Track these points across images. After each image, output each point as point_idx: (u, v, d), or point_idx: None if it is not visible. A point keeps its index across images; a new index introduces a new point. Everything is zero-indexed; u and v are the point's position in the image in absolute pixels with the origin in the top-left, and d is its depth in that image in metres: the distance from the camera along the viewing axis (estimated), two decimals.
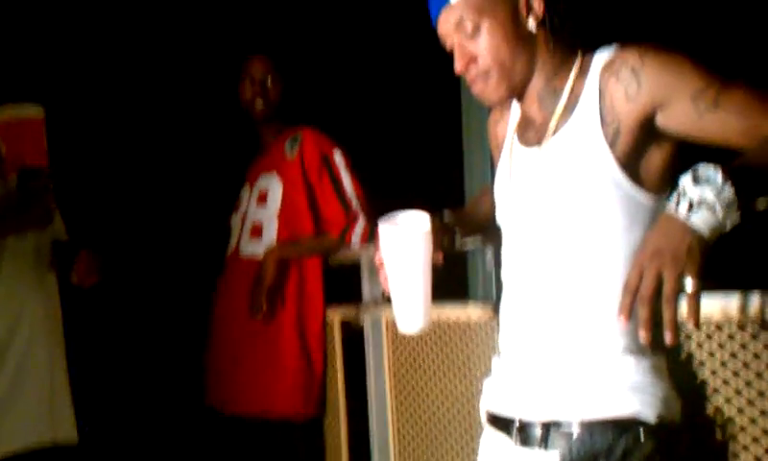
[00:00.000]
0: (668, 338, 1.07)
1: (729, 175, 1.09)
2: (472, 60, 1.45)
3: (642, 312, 1.09)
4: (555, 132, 1.44)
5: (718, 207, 1.08)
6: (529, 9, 1.45)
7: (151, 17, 4.84)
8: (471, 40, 1.45)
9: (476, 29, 1.43)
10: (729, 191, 1.08)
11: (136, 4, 4.69)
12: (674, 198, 1.11)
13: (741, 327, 1.37)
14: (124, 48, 4.97)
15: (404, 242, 1.48)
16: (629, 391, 1.32)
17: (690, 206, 1.09)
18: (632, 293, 1.10)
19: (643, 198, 1.36)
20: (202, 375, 2.84)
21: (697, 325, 1.07)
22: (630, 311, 1.11)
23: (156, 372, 4.42)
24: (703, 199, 1.08)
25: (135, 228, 5.07)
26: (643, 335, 1.09)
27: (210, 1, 4.73)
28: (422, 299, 1.50)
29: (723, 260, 1.21)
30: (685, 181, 1.11)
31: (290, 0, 4.60)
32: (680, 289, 1.06)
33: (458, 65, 1.47)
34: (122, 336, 4.58)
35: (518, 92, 1.50)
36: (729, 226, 1.09)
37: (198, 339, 2.92)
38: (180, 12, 4.82)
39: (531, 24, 1.45)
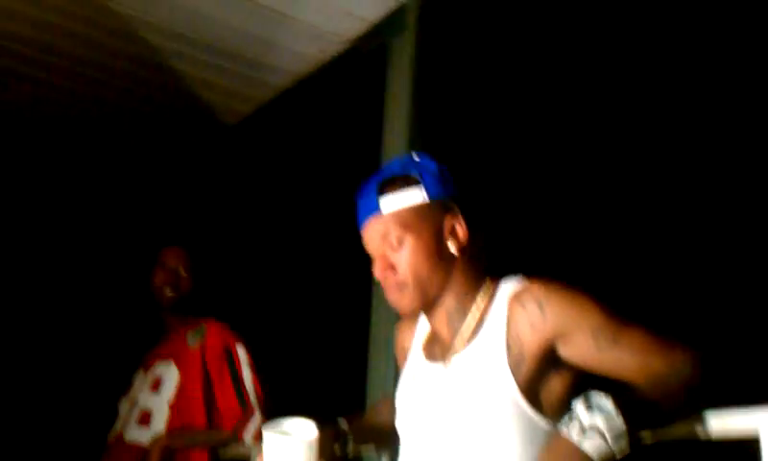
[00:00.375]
0: None
1: (619, 406, 1.13)
2: (392, 269, 1.51)
3: None
4: (460, 351, 1.49)
5: (608, 435, 1.11)
6: (453, 233, 1.53)
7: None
8: (394, 251, 1.50)
9: (400, 242, 1.50)
10: (619, 421, 1.12)
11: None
12: (566, 421, 1.15)
13: None
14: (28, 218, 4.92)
15: (288, 451, 1.46)
16: None
17: (582, 430, 1.12)
18: None
19: (541, 422, 1.39)
20: None
21: None
22: None
23: None
24: (594, 425, 1.12)
25: (19, 403, 4.83)
26: None
27: (130, 187, 4.78)
28: None
29: None
30: (578, 406, 1.15)
31: (210, 196, 4.68)
32: None
33: (377, 272, 1.52)
34: None
35: (430, 306, 1.55)
36: (618, 454, 1.12)
37: None
38: (100, 195, 4.85)
39: (452, 247, 1.52)
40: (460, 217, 1.54)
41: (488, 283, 1.54)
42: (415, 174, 1.53)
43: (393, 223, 1.50)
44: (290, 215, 4.40)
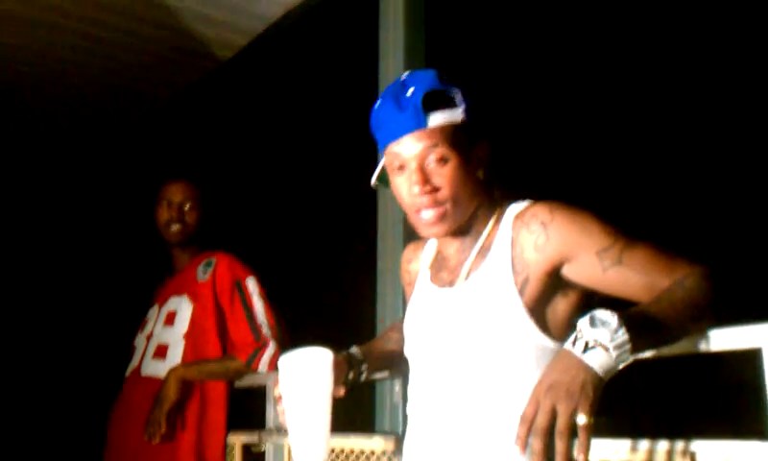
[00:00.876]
0: (581, 456, 1.10)
1: (623, 320, 1.16)
2: (434, 187, 1.47)
3: (536, 444, 1.13)
4: (468, 275, 1.50)
5: (612, 349, 1.14)
6: (480, 157, 1.52)
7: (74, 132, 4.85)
8: (438, 168, 1.46)
9: (444, 160, 1.46)
10: (622, 335, 1.14)
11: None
12: (572, 338, 1.17)
13: None
14: (34, 162, 4.94)
15: (305, 375, 1.50)
16: None
17: (586, 346, 1.15)
18: (527, 424, 1.14)
19: (549, 341, 1.41)
20: None
21: (586, 459, 1.11)
22: (525, 442, 1.15)
23: None
24: (598, 340, 1.14)
25: (37, 344, 4.92)
26: None
27: (129, 125, 4.78)
28: (322, 433, 1.51)
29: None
30: (583, 323, 1.17)
31: (214, 127, 4.68)
32: (573, 424, 1.11)
33: (418, 189, 1.45)
34: (19, 453, 4.38)
35: (455, 229, 1.53)
36: (620, 366, 1.15)
37: (93, 458, 2.81)
38: (102, 132, 4.85)
39: (479, 172, 1.51)
40: (487, 142, 1.53)
41: (497, 208, 1.55)
42: (455, 92, 1.49)
43: (440, 139, 1.46)
44: (293, 145, 4.40)
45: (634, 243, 1.37)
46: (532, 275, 1.42)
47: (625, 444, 1.44)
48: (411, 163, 1.47)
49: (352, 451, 2.03)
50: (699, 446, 1.36)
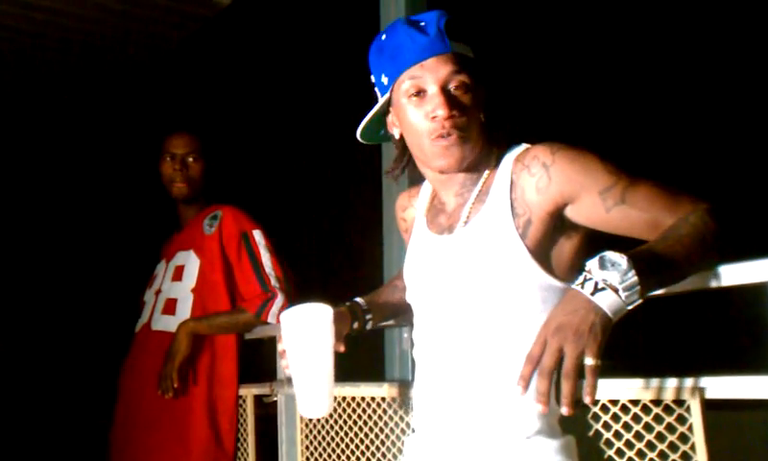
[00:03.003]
0: (565, 411, 1.10)
1: (632, 261, 1.15)
2: (461, 111, 1.45)
3: (541, 384, 1.12)
4: (468, 220, 1.49)
5: (621, 290, 1.13)
6: (481, 101, 1.50)
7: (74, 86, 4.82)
8: (460, 94, 1.45)
9: (469, 89, 1.45)
10: (632, 276, 1.13)
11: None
12: (580, 278, 1.16)
13: (645, 409, 1.43)
14: (37, 118, 4.92)
15: (306, 331, 1.53)
16: None
17: (596, 287, 1.14)
18: (533, 364, 1.14)
19: (554, 281, 1.40)
20: (105, 449, 2.75)
21: (593, 401, 1.11)
22: (528, 381, 1.14)
23: (61, 443, 4.27)
24: (607, 281, 1.13)
25: (44, 301, 4.95)
26: (541, 407, 1.12)
27: (131, 77, 4.74)
28: (325, 386, 1.54)
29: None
30: (592, 264, 1.16)
31: (219, 77, 4.64)
32: (580, 365, 1.10)
33: (444, 112, 1.42)
34: (27, 409, 4.43)
35: (461, 168, 1.50)
36: (629, 307, 1.15)
37: (103, 413, 2.85)
38: (102, 85, 4.82)
39: (481, 115, 1.49)
40: (482, 87, 1.51)
41: (494, 152, 1.53)
42: (466, 29, 1.50)
43: (464, 66, 1.46)
44: (299, 96, 4.37)
45: (636, 181, 1.35)
46: (534, 216, 1.41)
47: (634, 383, 1.45)
48: (433, 86, 1.44)
49: (363, 399, 2.05)
50: (708, 381, 1.36)
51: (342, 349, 1.64)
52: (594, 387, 1.11)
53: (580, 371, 1.11)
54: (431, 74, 1.44)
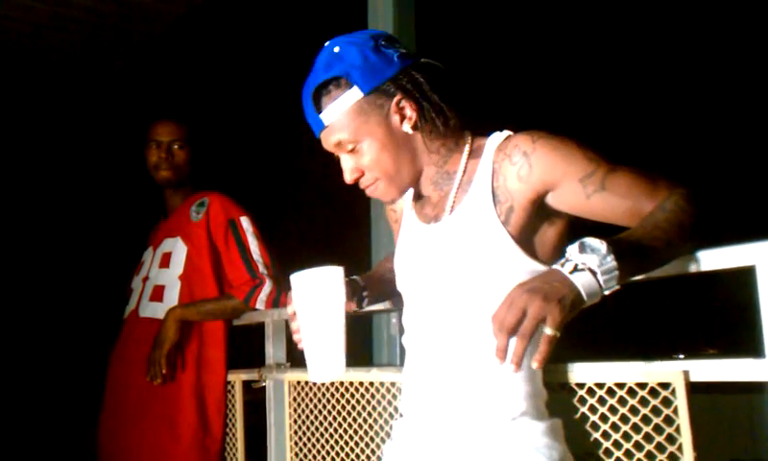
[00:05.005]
0: (512, 369, 1.15)
1: (612, 246, 1.17)
2: (359, 172, 1.53)
3: (499, 340, 1.16)
4: (452, 210, 1.51)
5: (600, 274, 1.15)
6: (402, 114, 1.51)
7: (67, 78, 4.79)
8: (355, 156, 1.52)
9: (354, 148, 1.51)
10: (611, 261, 1.15)
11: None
12: (561, 261, 1.19)
13: (631, 392, 1.44)
14: (21, 108, 4.89)
15: (320, 289, 1.51)
16: (528, 452, 1.37)
17: (575, 268, 1.16)
18: (497, 323, 1.17)
19: (540, 266, 1.42)
20: (94, 436, 2.75)
21: (540, 366, 1.15)
22: (505, 350, 1.16)
23: (50, 431, 4.27)
24: (586, 264, 1.15)
25: (31, 289, 4.93)
26: (498, 361, 1.16)
27: (119, 64, 4.72)
28: (340, 345, 1.52)
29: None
30: (572, 249, 1.18)
31: (206, 65, 4.62)
32: (536, 329, 1.13)
33: (346, 178, 1.54)
34: (16, 398, 4.42)
35: (411, 186, 1.58)
36: (606, 292, 1.17)
37: (92, 400, 2.84)
38: (89, 71, 4.79)
39: (406, 127, 1.51)
40: (401, 95, 1.50)
41: (470, 140, 1.55)
42: (341, 73, 1.48)
43: (340, 132, 1.50)
44: (284, 80, 4.35)
45: (616, 168, 1.38)
46: (516, 204, 1.43)
47: (620, 366, 1.47)
48: (334, 155, 1.56)
49: (352, 384, 2.06)
50: (692, 365, 1.38)
51: (354, 307, 1.67)
52: (545, 357, 1.14)
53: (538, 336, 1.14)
54: (327, 148, 1.56)
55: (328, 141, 1.53)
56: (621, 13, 3.57)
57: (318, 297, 1.51)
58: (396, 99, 1.50)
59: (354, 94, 1.48)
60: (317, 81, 1.50)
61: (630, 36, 3.55)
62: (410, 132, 1.52)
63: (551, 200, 1.43)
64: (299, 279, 1.53)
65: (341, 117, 1.49)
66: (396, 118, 1.51)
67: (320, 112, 1.50)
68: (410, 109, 1.51)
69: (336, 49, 1.51)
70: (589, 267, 1.15)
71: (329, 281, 1.52)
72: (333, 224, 4.11)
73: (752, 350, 1.28)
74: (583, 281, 1.15)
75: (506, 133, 1.51)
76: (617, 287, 1.18)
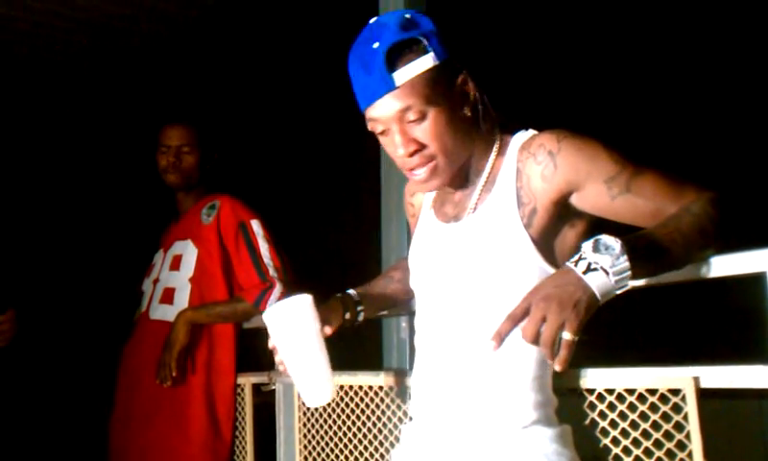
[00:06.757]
0: (493, 346, 1.19)
1: (626, 246, 1.16)
2: (419, 146, 1.43)
3: (503, 327, 1.18)
4: (475, 208, 1.50)
5: (612, 274, 1.14)
6: (465, 95, 1.47)
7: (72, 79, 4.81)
8: (417, 126, 1.42)
9: (422, 116, 1.41)
10: (624, 261, 1.15)
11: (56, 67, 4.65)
12: (575, 258, 1.18)
13: (641, 398, 1.44)
14: (34, 109, 4.91)
15: (288, 323, 1.54)
16: (537, 459, 1.36)
17: (588, 267, 1.16)
18: (512, 323, 1.17)
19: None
20: (105, 437, 2.76)
21: (562, 370, 1.14)
22: (503, 338, 1.18)
23: (61, 432, 4.28)
24: (599, 263, 1.15)
25: (43, 292, 4.94)
26: (493, 344, 1.19)
27: (131, 65, 4.73)
28: (322, 372, 1.55)
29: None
30: (586, 246, 1.18)
31: (218, 67, 4.62)
32: (557, 337, 1.13)
33: (400, 150, 1.43)
34: (27, 399, 4.43)
35: (453, 177, 1.51)
36: (618, 291, 1.17)
37: (102, 402, 2.85)
38: (100, 77, 4.81)
39: (466, 109, 1.47)
40: (466, 73, 1.47)
41: (499, 139, 1.53)
42: (419, 36, 1.41)
43: (412, 96, 1.39)
44: (297, 84, 4.36)
45: (641, 170, 1.36)
46: (539, 205, 1.42)
47: (630, 372, 1.46)
48: (390, 126, 1.43)
49: (361, 387, 2.05)
50: (702, 371, 1.37)
51: (329, 332, 1.62)
52: (565, 360, 1.13)
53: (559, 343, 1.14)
54: (383, 117, 1.43)
55: (393, 106, 1.40)
56: (649, 14, 3.56)
57: (289, 328, 1.54)
58: (461, 77, 1.46)
59: (430, 60, 1.41)
60: (390, 41, 1.40)
61: (653, 39, 3.54)
62: (468, 114, 1.47)
63: (575, 201, 1.42)
64: (269, 314, 1.55)
65: (415, 80, 1.40)
66: (459, 97, 1.46)
67: (392, 70, 1.39)
68: (472, 91, 1.47)
69: (407, 16, 1.44)
70: (602, 266, 1.15)
71: (298, 311, 1.54)
72: (345, 227, 4.10)
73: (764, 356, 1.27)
74: (597, 283, 1.14)
75: (531, 131, 1.50)
76: (629, 287, 1.17)
